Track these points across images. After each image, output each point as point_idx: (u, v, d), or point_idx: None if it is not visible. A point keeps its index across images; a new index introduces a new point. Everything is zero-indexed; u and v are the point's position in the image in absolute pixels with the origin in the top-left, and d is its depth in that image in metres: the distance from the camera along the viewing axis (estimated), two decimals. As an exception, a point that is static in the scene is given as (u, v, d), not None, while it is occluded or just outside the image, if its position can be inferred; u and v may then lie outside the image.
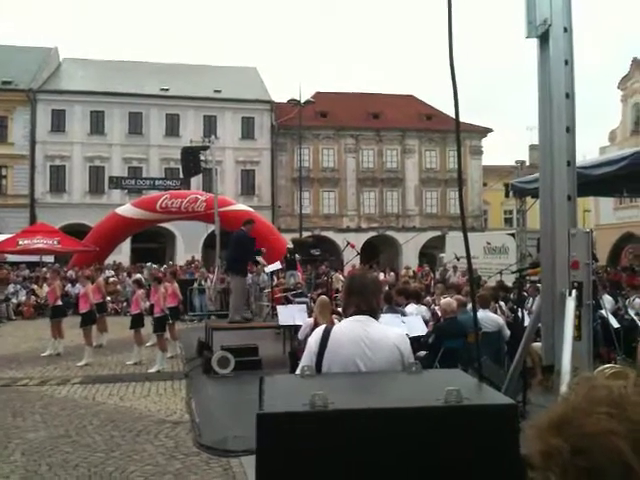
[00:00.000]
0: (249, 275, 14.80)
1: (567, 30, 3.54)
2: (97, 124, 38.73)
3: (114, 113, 38.64)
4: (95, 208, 34.62)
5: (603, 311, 10.30)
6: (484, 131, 44.64)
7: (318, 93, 40.93)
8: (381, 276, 23.76)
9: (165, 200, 27.24)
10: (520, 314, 9.70)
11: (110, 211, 28.56)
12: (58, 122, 38.02)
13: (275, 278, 17.90)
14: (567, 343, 3.05)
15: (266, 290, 17.68)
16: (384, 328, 3.12)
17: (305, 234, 33.55)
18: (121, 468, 6.00)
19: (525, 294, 11.86)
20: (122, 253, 33.33)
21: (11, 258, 26.31)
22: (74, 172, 38.22)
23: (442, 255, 29.30)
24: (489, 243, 24.99)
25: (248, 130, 40.78)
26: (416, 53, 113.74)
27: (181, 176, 30.21)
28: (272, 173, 40.92)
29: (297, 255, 19.59)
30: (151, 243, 37.79)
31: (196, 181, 33.26)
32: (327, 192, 42.21)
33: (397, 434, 1.86)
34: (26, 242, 25.42)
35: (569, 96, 3.51)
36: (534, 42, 3.66)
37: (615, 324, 9.96)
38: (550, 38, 3.54)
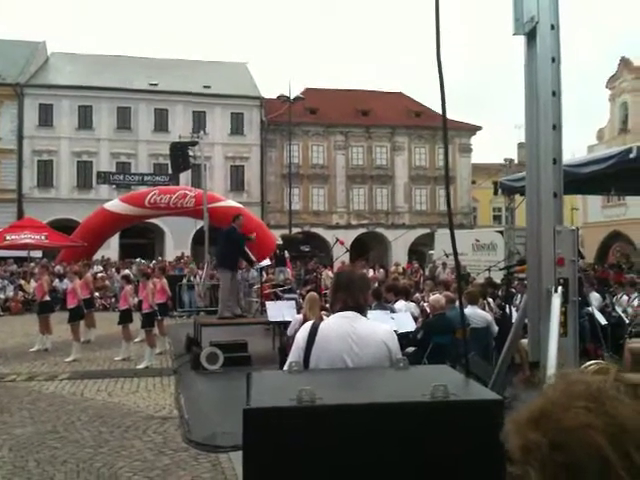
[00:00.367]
0: (239, 271, 14.74)
1: (554, 27, 3.55)
2: (85, 119, 38.48)
3: (102, 108, 38.40)
4: (83, 203, 34.43)
5: (590, 308, 10.39)
6: (473, 129, 44.78)
7: (308, 89, 40.88)
8: (370, 273, 23.81)
9: (154, 196, 27.13)
10: (508, 310, 9.78)
11: (98, 206, 28.42)
12: (46, 117, 37.75)
13: (264, 274, 17.89)
14: (553, 339, 3.08)
15: (255, 286, 17.67)
16: (371, 324, 3.13)
17: (294, 230, 33.52)
18: (109, 464, 5.99)
19: (513, 291, 11.94)
20: (111, 248, 33.20)
21: (-2, 253, 26.12)
22: (62, 167, 37.98)
23: (431, 252, 29.39)
24: (478, 240, 25.10)
25: (237, 126, 40.67)
26: (406, 50, 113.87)
27: (170, 172, 30.13)
28: (261, 169, 40.84)
29: (286, 251, 19.61)
30: (140, 239, 37.65)
31: (185, 177, 33.17)
32: (317, 189, 42.20)
33: (384, 429, 1.88)
34: (13, 237, 25.27)
35: (555, 94, 3.53)
36: (522, 39, 3.67)
37: (602, 321, 10.05)
38: (537, 35, 3.55)
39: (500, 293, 12.32)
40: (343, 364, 2.82)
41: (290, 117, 32.77)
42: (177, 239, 36.33)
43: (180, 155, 22.67)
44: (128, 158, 38.90)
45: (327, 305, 8.00)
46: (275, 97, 33.18)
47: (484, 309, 9.96)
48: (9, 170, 36.85)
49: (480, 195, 43.80)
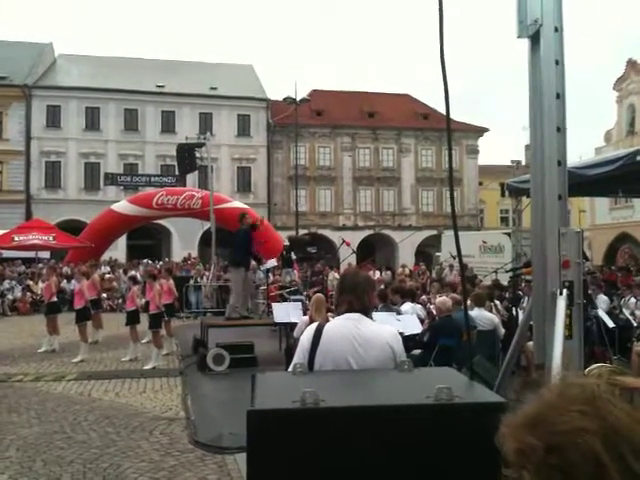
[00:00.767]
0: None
1: (558, 30, 3.55)
2: (92, 120, 38.64)
3: (110, 109, 38.56)
4: (90, 204, 34.57)
5: (599, 310, 10.35)
6: (480, 130, 44.68)
7: (314, 91, 40.94)
8: (377, 274, 23.80)
9: (161, 197, 27.20)
10: (515, 313, 9.74)
11: (106, 207, 28.52)
12: (53, 118, 37.92)
13: (271, 275, 17.91)
14: (558, 342, 3.08)
15: (262, 287, 17.69)
16: (376, 326, 3.14)
17: (301, 232, 33.53)
18: (116, 464, 6.01)
19: (520, 293, 11.89)
20: (118, 249, 33.32)
21: (6, 254, 26.24)
22: (69, 168, 38.14)
23: (438, 254, 29.32)
24: (485, 242, 25.02)
25: (244, 127, 40.74)
26: (412, 52, 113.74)
27: (177, 173, 30.19)
28: (268, 171, 40.89)
29: (293, 253, 19.61)
30: (147, 240, 37.75)
31: (192, 178, 33.25)
32: (323, 190, 42.20)
33: (387, 432, 1.88)
34: (21, 238, 25.40)
35: (560, 96, 3.53)
36: (526, 42, 3.67)
37: (610, 324, 10.00)
38: (541, 38, 3.55)
39: (507, 295, 12.29)
40: (347, 366, 2.83)
41: (296, 119, 32.79)
42: (184, 240, 36.41)
43: (187, 156, 22.76)
44: (135, 159, 39.03)
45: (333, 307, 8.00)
46: (281, 99, 33.18)
47: (491, 311, 9.94)
48: (17, 171, 37.02)
49: (487, 197, 43.73)
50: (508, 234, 22.43)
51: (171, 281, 13.91)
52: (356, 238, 36.27)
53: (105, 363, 12.03)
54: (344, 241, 17.14)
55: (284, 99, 32.47)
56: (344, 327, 2.95)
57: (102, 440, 6.82)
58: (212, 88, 40.09)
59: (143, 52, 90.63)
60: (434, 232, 39.14)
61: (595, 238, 36.78)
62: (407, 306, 10.36)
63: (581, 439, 0.70)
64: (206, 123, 38.68)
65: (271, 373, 2.72)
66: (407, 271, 24.58)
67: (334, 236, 36.51)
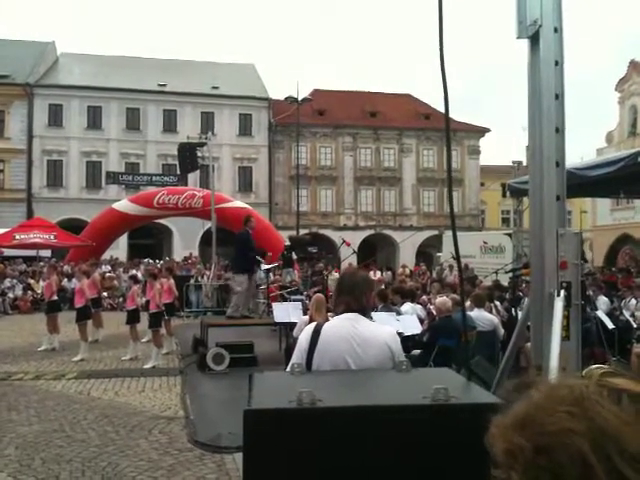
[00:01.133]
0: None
1: (557, 30, 3.55)
2: (94, 119, 38.68)
3: (111, 108, 38.60)
4: (92, 203, 34.59)
5: (599, 312, 10.35)
6: (482, 131, 44.67)
7: (316, 91, 40.95)
8: (378, 274, 23.80)
9: (162, 196, 27.19)
10: (515, 313, 9.75)
11: (107, 206, 28.53)
12: (55, 117, 37.97)
13: (271, 275, 17.92)
14: (555, 343, 3.08)
15: (262, 287, 17.71)
16: (374, 326, 3.14)
17: (302, 232, 33.55)
18: (114, 463, 6.01)
19: (520, 294, 11.90)
20: (119, 248, 33.33)
21: (8, 252, 26.24)
22: (71, 167, 38.18)
23: (439, 254, 29.33)
24: (486, 243, 25.03)
25: (245, 127, 40.76)
26: (415, 52, 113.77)
27: (178, 172, 30.21)
28: (269, 170, 40.90)
29: (294, 253, 19.62)
30: (148, 239, 37.78)
31: (193, 177, 33.26)
32: (324, 190, 42.21)
33: (384, 432, 1.88)
34: (23, 237, 25.38)
35: (559, 97, 3.53)
36: (526, 42, 3.67)
37: (610, 325, 10.00)
38: (540, 39, 3.55)
39: (507, 296, 12.29)
40: (345, 366, 2.83)
41: (298, 118, 32.80)
42: (185, 239, 36.45)
43: (188, 156, 22.77)
44: (137, 158, 39.07)
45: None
46: (283, 98, 33.19)
47: (491, 312, 9.94)
48: (19, 170, 37.07)
49: (488, 197, 43.70)
50: (509, 235, 22.44)
51: (171, 280, 13.91)
52: (357, 238, 36.28)
53: (105, 362, 12.04)
54: (344, 241, 17.14)
55: (286, 99, 32.48)
56: (342, 327, 2.96)
57: (101, 439, 6.83)
58: (214, 87, 40.12)
59: (145, 51, 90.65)
60: (435, 232, 39.13)
61: (596, 239, 36.81)
62: (407, 306, 10.37)
63: (569, 440, 0.70)
64: (208, 122, 38.71)
65: (269, 373, 2.72)
66: (408, 271, 24.59)
67: (335, 236, 36.51)
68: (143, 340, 13.25)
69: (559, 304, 3.25)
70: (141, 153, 39.08)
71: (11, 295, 22.53)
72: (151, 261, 28.38)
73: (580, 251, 3.56)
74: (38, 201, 36.60)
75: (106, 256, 28.86)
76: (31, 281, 23.68)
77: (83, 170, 38.45)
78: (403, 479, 1.91)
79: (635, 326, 10.51)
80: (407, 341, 8.33)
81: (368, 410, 1.93)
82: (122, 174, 36.55)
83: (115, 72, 38.75)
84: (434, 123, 42.00)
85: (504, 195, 16.29)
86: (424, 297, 13.50)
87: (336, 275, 19.17)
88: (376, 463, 1.86)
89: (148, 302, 12.87)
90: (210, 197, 23.81)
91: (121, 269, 26.20)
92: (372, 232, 42.12)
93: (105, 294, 20.51)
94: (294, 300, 13.83)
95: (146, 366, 11.38)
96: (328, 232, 39.94)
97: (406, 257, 37.91)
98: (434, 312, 10.22)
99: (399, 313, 9.74)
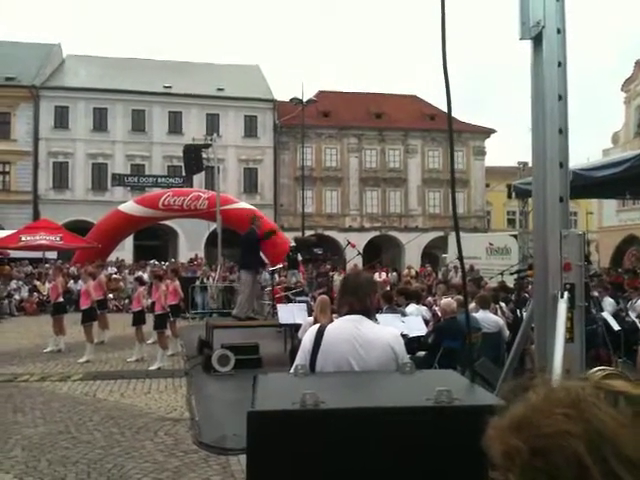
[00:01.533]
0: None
1: (560, 31, 3.54)
2: (100, 121, 38.80)
3: (117, 110, 38.70)
4: (98, 205, 34.69)
5: (604, 313, 10.31)
6: (487, 132, 44.58)
7: (321, 92, 40.93)
8: (383, 276, 23.79)
9: (168, 198, 27.25)
10: (520, 315, 9.72)
11: (113, 208, 28.61)
12: (61, 119, 38.09)
13: (277, 277, 17.94)
14: (559, 345, 3.07)
15: (267, 288, 17.72)
16: (378, 328, 3.14)
17: (307, 233, 33.55)
18: (120, 465, 6.03)
19: (526, 295, 11.86)
20: (125, 250, 33.41)
21: (14, 254, 26.32)
22: (77, 169, 38.30)
23: (444, 255, 29.30)
24: (491, 244, 24.99)
25: (251, 128, 40.81)
26: (420, 53, 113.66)
27: (184, 174, 30.27)
28: (275, 172, 40.93)
29: (299, 254, 19.63)
30: (154, 240, 37.85)
31: (199, 179, 33.31)
32: (330, 191, 42.21)
33: (387, 434, 1.88)
34: (29, 238, 25.47)
35: (562, 98, 3.52)
36: (529, 43, 3.67)
37: (615, 326, 9.97)
38: (543, 40, 3.55)
39: (513, 297, 12.25)
40: (349, 367, 2.83)
41: (303, 120, 32.79)
42: (190, 241, 36.50)
43: (194, 157, 22.81)
44: (142, 160, 39.15)
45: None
46: (288, 100, 33.20)
47: (496, 313, 9.92)
48: (25, 172, 37.19)
49: (494, 198, 43.57)
50: (515, 236, 22.39)
51: (177, 282, 13.95)
52: (362, 239, 36.27)
53: (111, 363, 12.07)
54: (349, 242, 17.15)
55: (291, 100, 32.48)
56: (345, 328, 2.96)
57: (107, 440, 6.84)
58: (219, 89, 40.19)
59: (150, 53, 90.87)
60: (440, 234, 39.06)
61: (602, 240, 36.68)
62: (412, 308, 10.36)
63: (565, 442, 0.71)
64: (213, 124, 38.76)
65: (273, 374, 2.72)
66: (413, 272, 24.58)
67: (340, 237, 36.48)
68: (149, 342, 13.28)
69: (562, 306, 3.24)
70: (146, 155, 39.17)
71: (17, 297, 22.62)
72: (157, 263, 28.43)
73: (584, 252, 3.55)
74: (44, 203, 36.72)
75: (112, 258, 28.94)
76: (37, 283, 23.75)
77: (89, 172, 38.57)
78: (406, 481, 1.91)
79: (641, 327, 10.46)
80: (412, 343, 8.32)
81: (371, 412, 1.93)
82: (128, 176, 36.69)
83: (121, 74, 38.86)
84: (439, 124, 41.89)
85: (509, 196, 16.25)
86: (430, 298, 13.49)
87: (341, 276, 19.20)
88: (379, 465, 1.86)
89: (154, 304, 12.90)
90: (215, 198, 23.86)
91: (127, 271, 26.27)
92: (377, 233, 42.08)
93: (111, 296, 20.57)
94: (299, 301, 13.83)
95: (152, 367, 11.41)
96: (333, 233, 39.93)
97: (411, 258, 37.86)
98: (439, 313, 10.21)
99: (404, 314, 9.73)
